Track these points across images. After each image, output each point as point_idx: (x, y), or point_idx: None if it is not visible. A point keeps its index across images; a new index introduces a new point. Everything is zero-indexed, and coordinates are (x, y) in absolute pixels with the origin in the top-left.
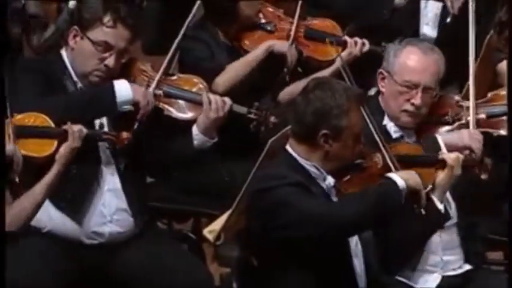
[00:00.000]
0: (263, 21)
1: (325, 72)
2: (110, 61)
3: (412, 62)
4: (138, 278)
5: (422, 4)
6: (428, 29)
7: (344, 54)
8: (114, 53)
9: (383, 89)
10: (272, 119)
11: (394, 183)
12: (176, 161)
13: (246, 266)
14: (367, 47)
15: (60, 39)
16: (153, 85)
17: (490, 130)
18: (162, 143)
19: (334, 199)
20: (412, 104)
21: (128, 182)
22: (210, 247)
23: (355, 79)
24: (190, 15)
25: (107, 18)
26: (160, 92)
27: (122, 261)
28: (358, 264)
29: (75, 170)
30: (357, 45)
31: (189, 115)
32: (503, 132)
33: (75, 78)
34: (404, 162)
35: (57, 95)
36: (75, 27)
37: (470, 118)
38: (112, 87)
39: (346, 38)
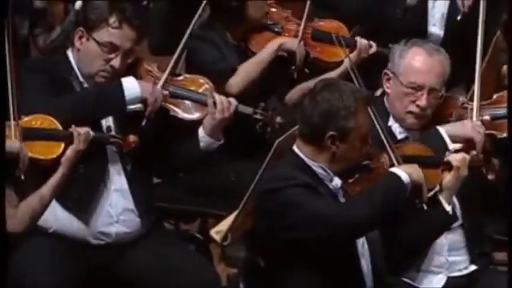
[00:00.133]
0: (270, 22)
1: (333, 74)
2: (116, 62)
3: (417, 63)
4: (144, 279)
5: (430, 4)
6: (436, 29)
7: (353, 55)
8: (119, 53)
9: (388, 90)
10: (278, 119)
11: (399, 178)
12: (183, 163)
13: (253, 266)
14: (374, 48)
15: (66, 40)
16: (159, 85)
17: (494, 132)
18: (169, 144)
19: (342, 200)
20: (418, 106)
21: (134, 183)
22: (217, 247)
23: (363, 81)
24: (196, 15)
25: (112, 19)
26: (166, 92)
27: (129, 262)
28: (365, 264)
29: (82, 170)
30: (365, 47)
31: (195, 115)
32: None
33: (81, 79)
34: (411, 163)
35: (65, 95)
36: (81, 28)
37: (474, 109)
38: (120, 84)
39: (355, 40)
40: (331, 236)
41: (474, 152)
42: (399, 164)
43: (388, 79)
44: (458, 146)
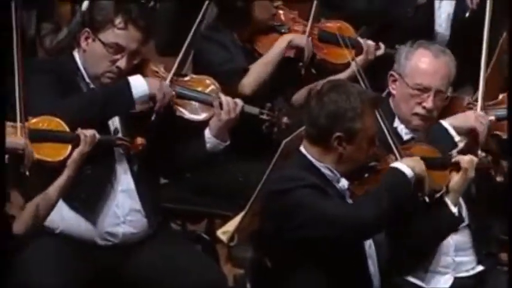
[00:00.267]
0: (277, 23)
1: (341, 76)
2: (122, 63)
3: (423, 65)
4: (151, 279)
5: (436, 4)
6: (442, 30)
7: (359, 59)
8: (125, 54)
9: (394, 91)
10: (285, 119)
11: (403, 173)
12: (189, 164)
13: (260, 267)
14: (382, 50)
15: (73, 41)
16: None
17: (499, 133)
18: (174, 145)
19: (349, 201)
20: (424, 108)
21: (141, 183)
22: (224, 248)
23: (370, 82)
24: (200, 15)
25: (118, 20)
26: (173, 92)
27: (136, 262)
28: (372, 265)
29: (89, 171)
30: (372, 49)
31: (201, 116)
32: None
33: (87, 80)
34: None
35: (72, 96)
36: (87, 29)
37: (479, 99)
38: (127, 83)
39: (361, 41)
40: (339, 237)
41: (483, 154)
42: None
43: (394, 80)
44: (463, 143)
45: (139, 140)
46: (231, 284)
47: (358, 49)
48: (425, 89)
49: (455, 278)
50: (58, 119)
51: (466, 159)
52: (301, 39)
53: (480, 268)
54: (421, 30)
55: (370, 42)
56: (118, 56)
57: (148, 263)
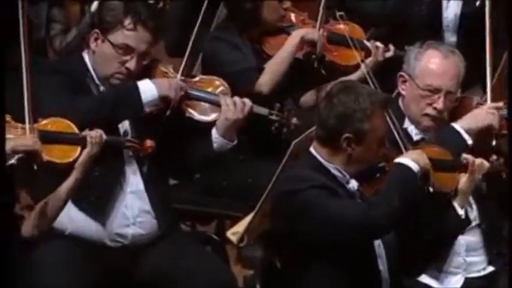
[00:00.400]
0: (286, 24)
1: (352, 78)
2: (131, 64)
3: (433, 66)
4: (161, 280)
5: (444, 4)
6: (449, 30)
7: (369, 60)
8: (135, 55)
9: (403, 92)
10: (294, 120)
11: (409, 169)
12: (197, 164)
13: (270, 267)
14: (391, 52)
15: (82, 42)
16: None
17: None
18: (183, 145)
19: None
20: (435, 109)
21: (151, 184)
22: (234, 249)
23: (379, 83)
24: (200, 15)
25: (127, 21)
26: (182, 93)
27: (145, 263)
28: (382, 265)
29: (98, 172)
30: (381, 52)
31: (211, 117)
32: None
33: (97, 81)
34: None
35: (82, 98)
36: (96, 30)
37: (488, 92)
38: (137, 88)
39: (369, 44)
40: (350, 237)
41: (494, 157)
42: None
43: (404, 81)
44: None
45: (149, 143)
46: (240, 285)
47: (367, 51)
48: (435, 90)
49: (466, 278)
50: (67, 121)
51: (476, 163)
52: (313, 34)
53: (491, 269)
54: (429, 30)
55: (380, 45)
56: (127, 57)
57: (158, 264)
